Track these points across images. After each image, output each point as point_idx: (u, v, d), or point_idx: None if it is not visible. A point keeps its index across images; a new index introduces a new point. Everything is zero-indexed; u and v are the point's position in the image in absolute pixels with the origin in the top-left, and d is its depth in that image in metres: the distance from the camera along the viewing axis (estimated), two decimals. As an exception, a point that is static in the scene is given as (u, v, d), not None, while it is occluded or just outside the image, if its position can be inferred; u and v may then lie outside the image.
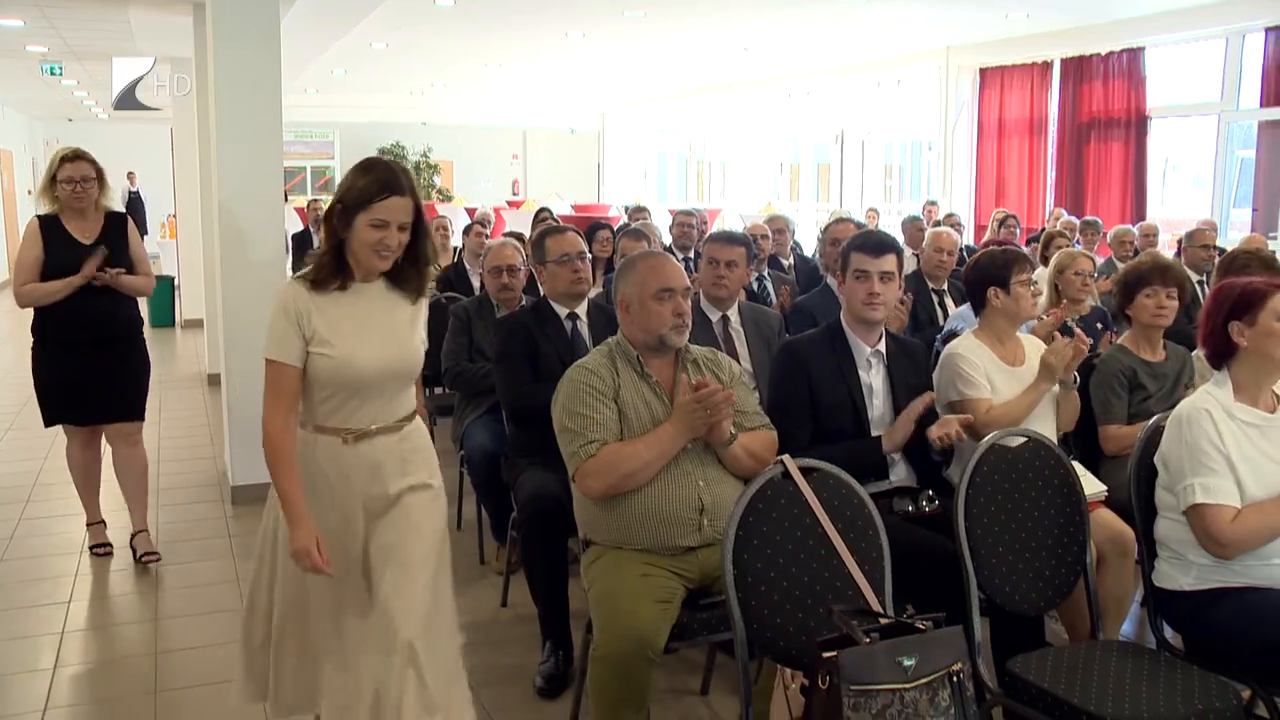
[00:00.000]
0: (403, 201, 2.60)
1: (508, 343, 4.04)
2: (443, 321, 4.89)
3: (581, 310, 4.13)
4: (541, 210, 10.16)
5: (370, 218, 2.57)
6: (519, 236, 6.60)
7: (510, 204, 20.64)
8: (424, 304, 2.81)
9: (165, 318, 12.24)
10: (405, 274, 2.73)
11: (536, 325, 4.04)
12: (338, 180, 24.19)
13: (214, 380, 8.26)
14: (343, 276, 2.65)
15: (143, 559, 4.83)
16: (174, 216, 12.35)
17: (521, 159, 25.20)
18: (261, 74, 5.63)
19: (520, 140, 25.03)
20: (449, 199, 22.18)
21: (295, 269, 10.76)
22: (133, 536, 4.92)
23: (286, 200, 17.30)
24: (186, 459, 6.73)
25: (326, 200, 19.40)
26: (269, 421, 2.62)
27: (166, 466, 6.44)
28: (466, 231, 7.92)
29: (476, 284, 6.77)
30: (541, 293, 4.26)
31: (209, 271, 8.25)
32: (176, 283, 12.27)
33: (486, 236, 7.55)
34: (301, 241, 11.66)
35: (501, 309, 4.80)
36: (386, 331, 2.69)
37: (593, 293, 4.46)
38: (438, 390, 5.92)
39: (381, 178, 2.59)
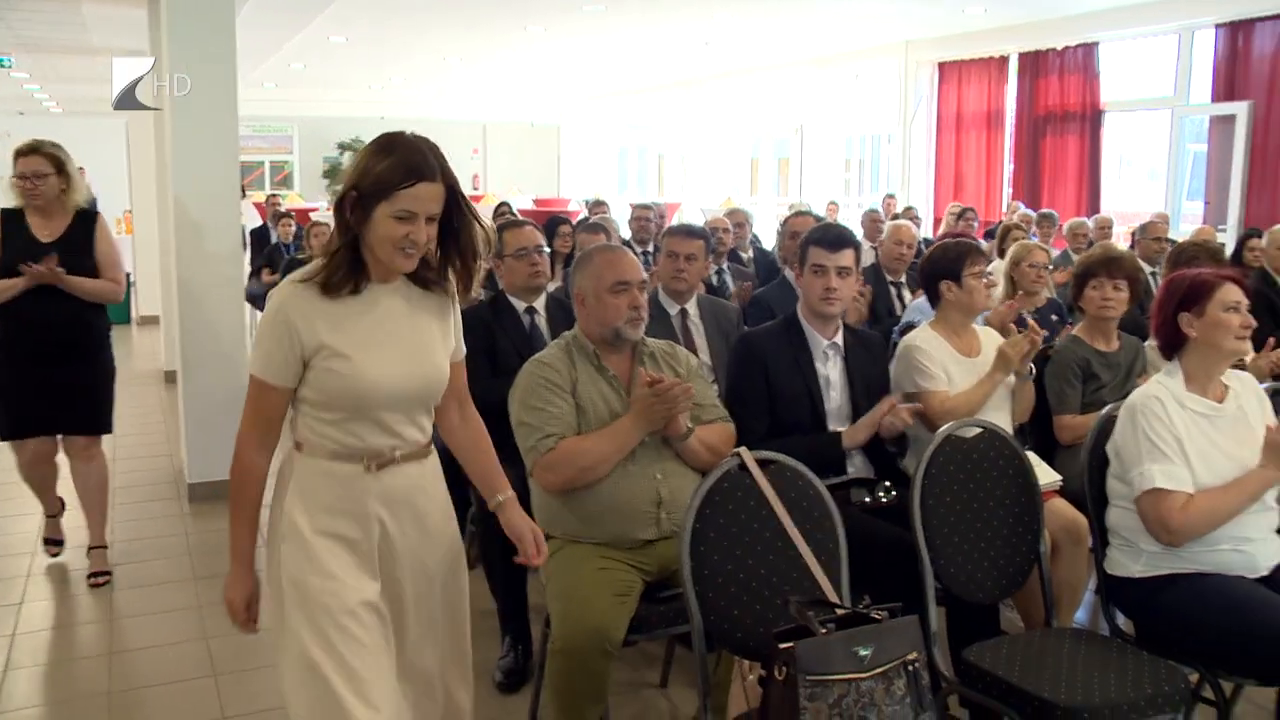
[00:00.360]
0: (433, 189, 2.17)
1: (465, 337, 4.01)
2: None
3: (540, 304, 4.12)
4: (501, 204, 10.14)
5: (394, 209, 2.13)
6: (478, 231, 6.56)
7: (471, 198, 20.52)
8: (454, 307, 2.39)
9: (121, 314, 12.09)
10: (439, 272, 2.31)
11: (494, 320, 4.03)
12: (297, 175, 24.06)
13: (171, 377, 8.17)
14: (357, 278, 2.21)
15: (90, 579, 4.58)
16: (129, 212, 12.20)
17: (482, 153, 25.09)
18: (217, 68, 5.57)
19: (480, 134, 24.92)
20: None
21: (254, 265, 10.59)
22: (89, 550, 4.72)
23: (244, 195, 17.15)
24: (143, 456, 6.66)
25: (286, 195, 19.19)
26: (242, 446, 2.26)
27: (123, 465, 6.37)
28: (425, 226, 7.86)
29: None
30: (500, 287, 4.24)
31: (165, 267, 8.17)
32: (132, 279, 12.13)
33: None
34: (260, 237, 11.55)
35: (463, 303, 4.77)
36: (408, 343, 2.27)
37: (551, 287, 4.45)
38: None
39: (407, 160, 2.15)
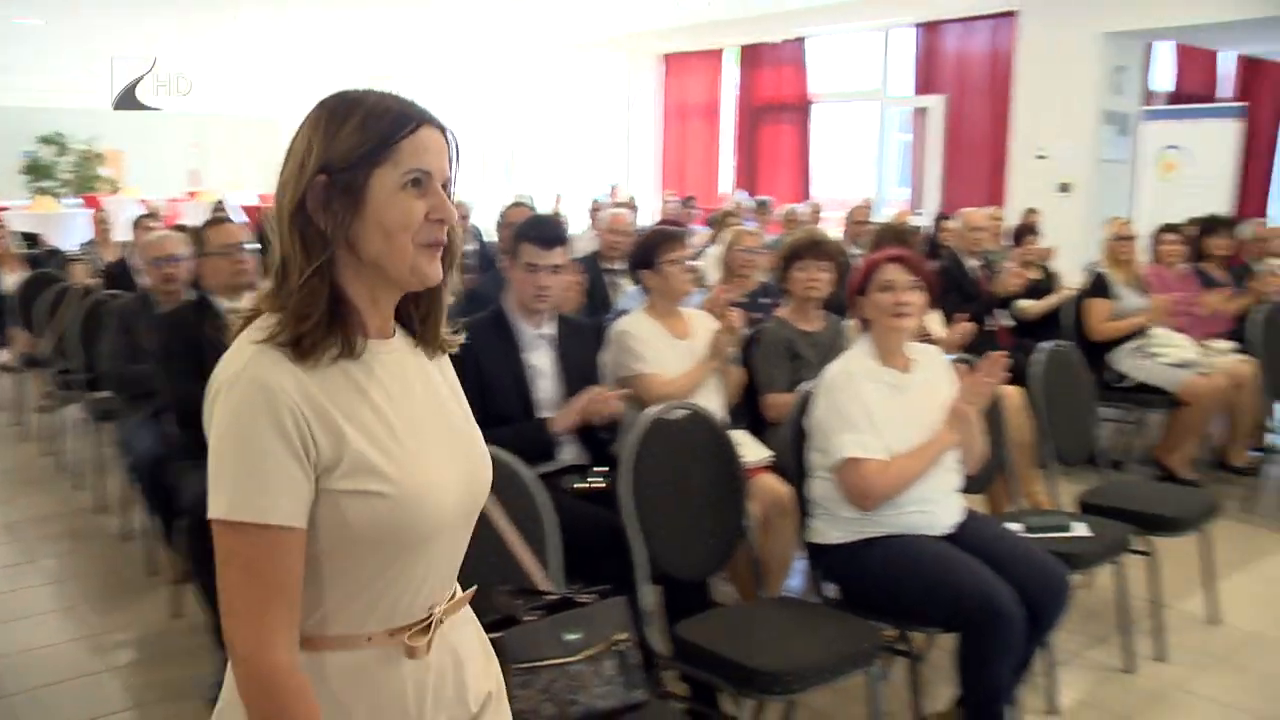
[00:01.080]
0: (438, 137, 1.41)
1: (170, 340, 3.84)
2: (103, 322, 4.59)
3: (247, 304, 3.95)
4: (219, 202, 9.72)
5: (401, 172, 1.35)
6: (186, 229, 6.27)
7: (188, 194, 19.56)
8: (447, 361, 1.59)
9: None
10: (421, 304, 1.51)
11: (199, 321, 3.85)
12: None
13: None
14: (345, 331, 1.37)
15: None
16: None
17: (201, 147, 23.88)
18: None
19: (198, 127, 23.71)
20: (117, 190, 20.75)
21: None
22: None
23: (-78, 194, 15.54)
24: None
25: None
26: (258, 649, 1.30)
27: None
28: (136, 225, 7.51)
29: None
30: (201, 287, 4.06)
31: None
32: None
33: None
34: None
35: (166, 304, 4.54)
36: (448, 430, 1.49)
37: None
38: (101, 394, 5.52)
39: (387, 106, 1.38)
